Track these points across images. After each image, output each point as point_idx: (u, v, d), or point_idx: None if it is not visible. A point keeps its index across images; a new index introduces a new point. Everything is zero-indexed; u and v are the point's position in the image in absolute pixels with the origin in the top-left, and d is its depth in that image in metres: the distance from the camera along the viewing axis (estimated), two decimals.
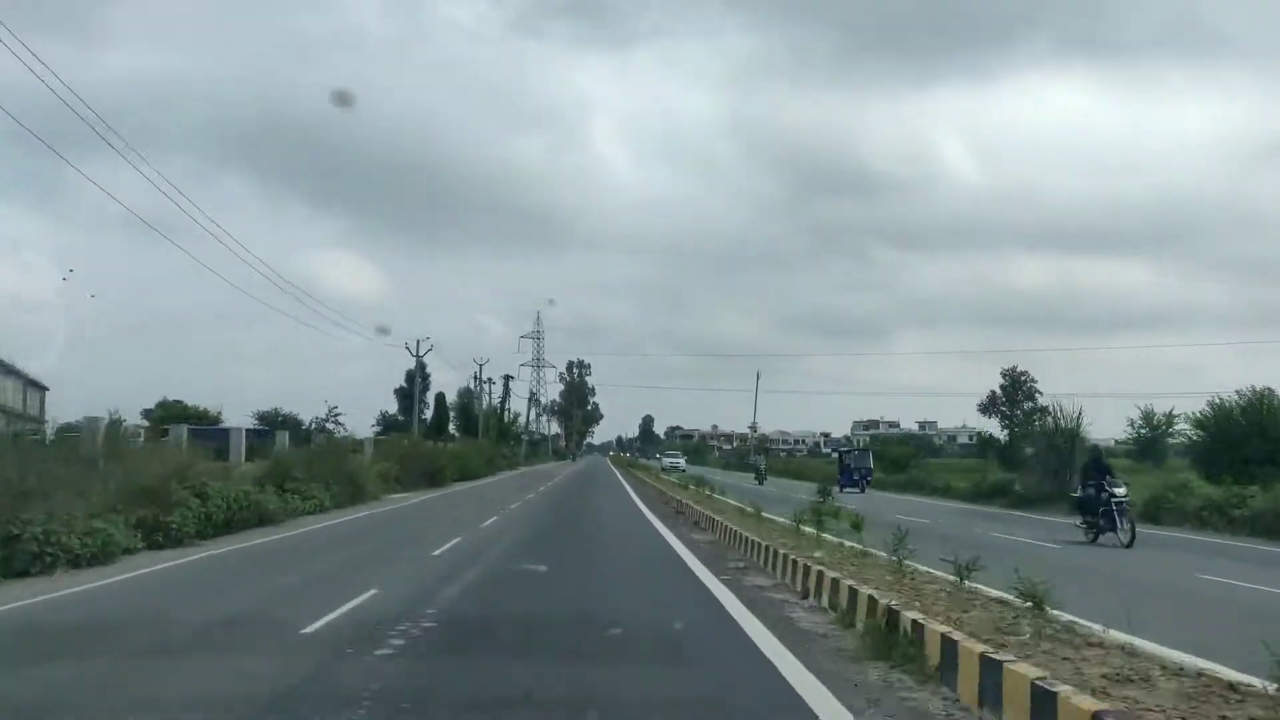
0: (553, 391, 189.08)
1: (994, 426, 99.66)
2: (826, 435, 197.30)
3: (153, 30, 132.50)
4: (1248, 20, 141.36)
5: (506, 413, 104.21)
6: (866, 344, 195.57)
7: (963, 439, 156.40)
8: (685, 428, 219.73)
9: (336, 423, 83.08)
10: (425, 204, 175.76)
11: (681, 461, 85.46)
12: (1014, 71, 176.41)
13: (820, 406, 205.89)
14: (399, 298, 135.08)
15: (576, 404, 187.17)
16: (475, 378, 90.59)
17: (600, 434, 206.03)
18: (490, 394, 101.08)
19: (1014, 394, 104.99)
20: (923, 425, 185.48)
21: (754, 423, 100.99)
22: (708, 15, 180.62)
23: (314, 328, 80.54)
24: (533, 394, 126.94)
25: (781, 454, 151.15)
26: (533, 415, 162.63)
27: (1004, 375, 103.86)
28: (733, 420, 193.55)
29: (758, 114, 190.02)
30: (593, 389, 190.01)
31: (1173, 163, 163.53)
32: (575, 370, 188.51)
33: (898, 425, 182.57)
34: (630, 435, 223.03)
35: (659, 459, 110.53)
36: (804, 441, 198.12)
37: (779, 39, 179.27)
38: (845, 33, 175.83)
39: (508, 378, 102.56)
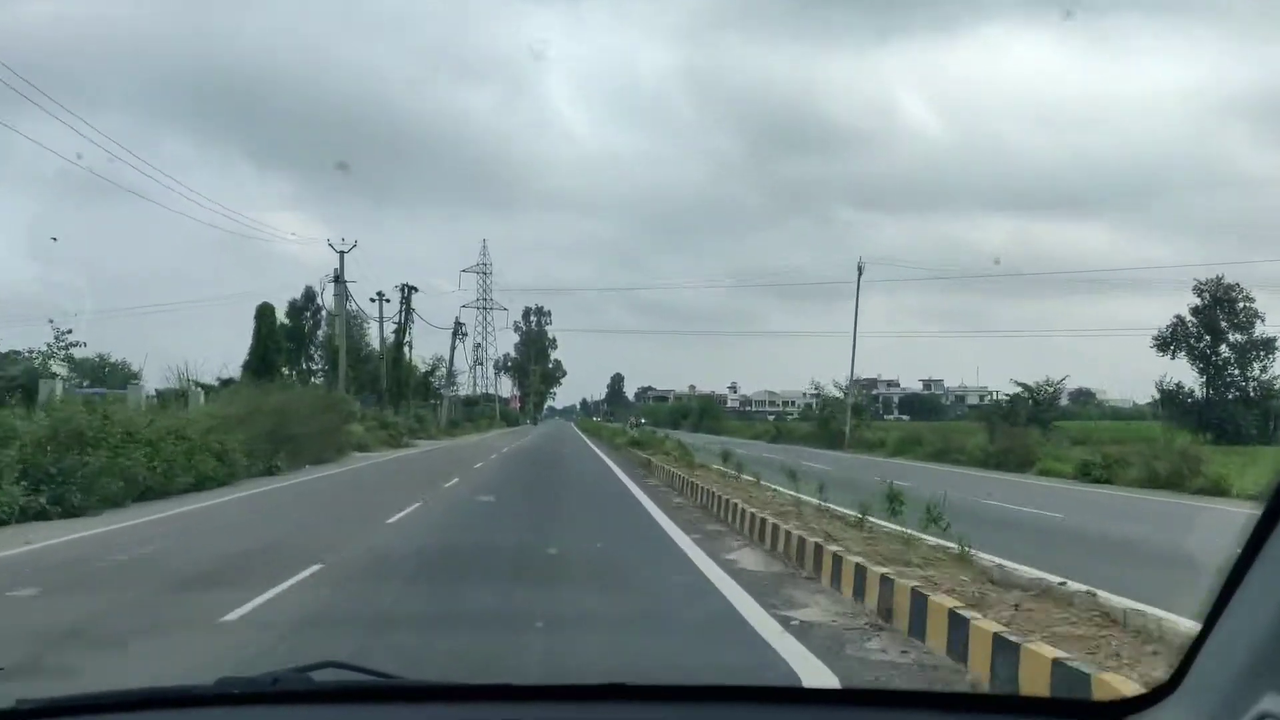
0: (505, 344, 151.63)
1: (1180, 369, 60.47)
2: (818, 395, 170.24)
3: None
4: None
5: (408, 348, 60.82)
6: (839, 303, 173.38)
7: (972, 399, 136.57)
8: (658, 388, 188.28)
9: (65, 352, 39.59)
10: (374, 162, 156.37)
11: None
12: (978, 23, 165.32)
13: (805, 365, 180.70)
14: (348, 258, 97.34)
15: (534, 359, 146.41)
16: (336, 278, 47.37)
17: (563, 395, 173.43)
18: (381, 318, 57.81)
19: (1214, 321, 63.95)
20: (927, 384, 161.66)
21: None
22: None
23: None
24: (455, 327, 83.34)
25: (769, 416, 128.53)
26: (477, 369, 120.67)
27: (1199, 292, 62.87)
28: (710, 380, 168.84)
29: (715, 66, 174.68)
30: (553, 340, 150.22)
31: (1138, 119, 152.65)
32: (533, 318, 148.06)
33: (897, 384, 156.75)
34: (596, 397, 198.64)
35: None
36: (793, 403, 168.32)
37: None
38: None
39: (408, 289, 59.37)
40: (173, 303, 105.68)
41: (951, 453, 36.48)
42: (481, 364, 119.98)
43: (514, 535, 12.94)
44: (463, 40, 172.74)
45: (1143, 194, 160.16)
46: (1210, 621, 1.67)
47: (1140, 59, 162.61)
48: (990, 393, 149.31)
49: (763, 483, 16.28)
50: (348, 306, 55.74)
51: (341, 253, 47.00)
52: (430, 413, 71.68)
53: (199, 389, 31.64)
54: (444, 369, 75.99)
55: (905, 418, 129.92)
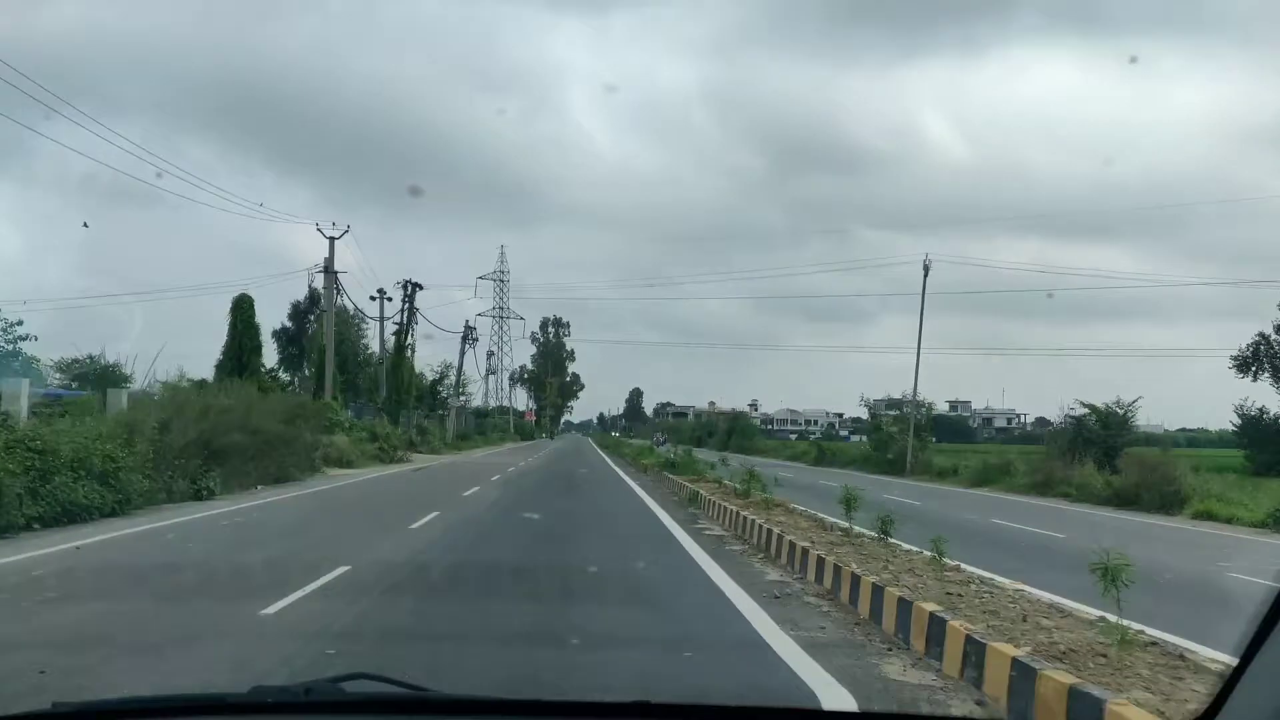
0: (521, 356, 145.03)
1: (1262, 392, 53.33)
2: (840, 415, 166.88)
3: None
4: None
5: (409, 351, 53.91)
6: (858, 324, 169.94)
7: (999, 422, 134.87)
8: (677, 404, 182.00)
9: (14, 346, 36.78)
10: (394, 172, 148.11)
11: None
12: (1005, 45, 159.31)
13: (827, 384, 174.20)
14: (366, 270, 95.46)
15: (552, 371, 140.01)
16: (325, 268, 40.86)
17: (580, 410, 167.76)
18: (381, 319, 51.29)
19: None
20: (954, 405, 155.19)
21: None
22: None
23: None
24: (465, 331, 76.48)
25: (791, 435, 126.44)
26: (491, 379, 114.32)
27: None
28: (729, 397, 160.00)
29: (738, 83, 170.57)
30: (571, 353, 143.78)
31: (1164, 143, 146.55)
32: (551, 329, 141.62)
33: (922, 405, 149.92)
34: (613, 412, 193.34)
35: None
36: (816, 422, 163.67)
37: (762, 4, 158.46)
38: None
39: (411, 286, 52.60)
40: (153, 292, 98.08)
41: (1056, 485, 29.47)
42: (495, 373, 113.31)
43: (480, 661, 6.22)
44: (486, 53, 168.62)
45: (1167, 219, 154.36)
46: (1248, 655, 1.61)
47: (1167, 84, 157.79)
48: (1018, 415, 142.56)
49: (940, 559, 9.27)
50: (343, 303, 49.29)
51: (331, 238, 40.49)
52: (437, 424, 65.08)
53: (125, 389, 25.14)
54: (453, 376, 69.40)
55: (932, 439, 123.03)
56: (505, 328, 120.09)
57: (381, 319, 51.08)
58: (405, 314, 51.99)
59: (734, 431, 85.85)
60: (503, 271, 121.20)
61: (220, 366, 40.09)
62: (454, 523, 15.79)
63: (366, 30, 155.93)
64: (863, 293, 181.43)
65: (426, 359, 71.37)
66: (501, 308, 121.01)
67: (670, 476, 26.40)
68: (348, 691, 2.15)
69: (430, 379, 67.75)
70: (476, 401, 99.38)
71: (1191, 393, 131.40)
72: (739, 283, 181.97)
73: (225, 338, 40.71)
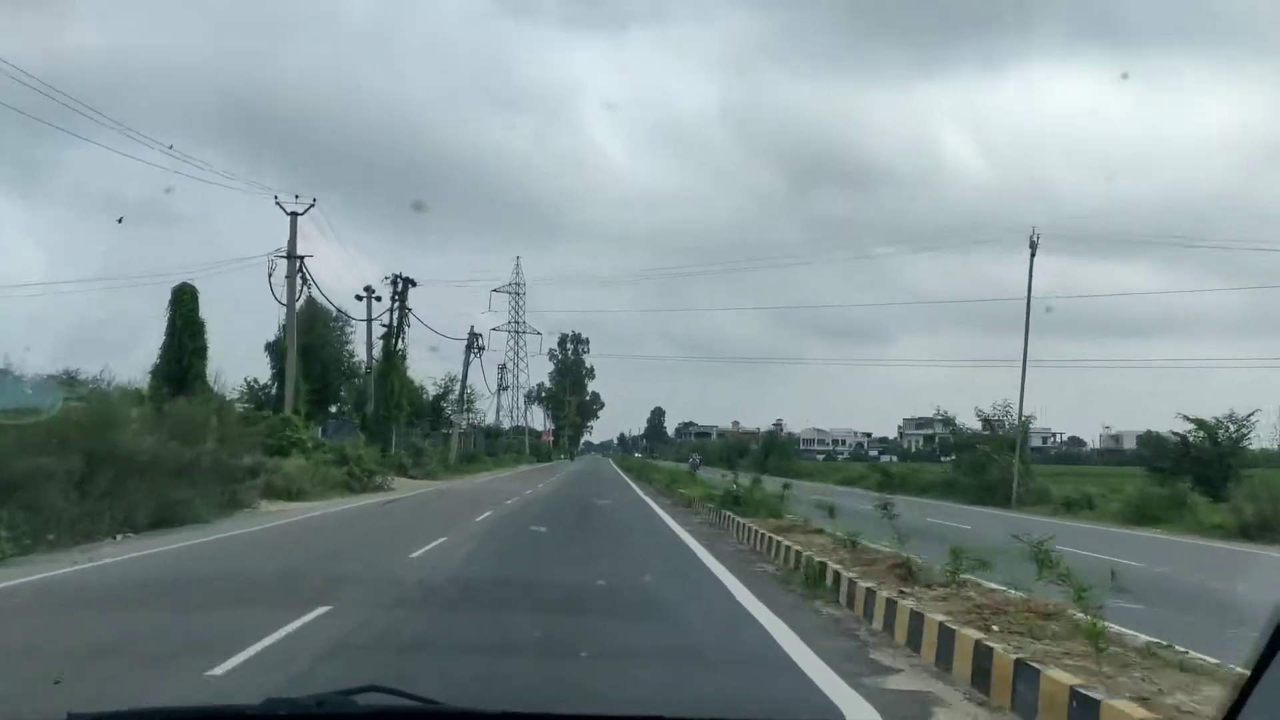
0: (538, 374, 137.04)
1: None
2: (869, 435, 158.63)
3: (121, 5, 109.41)
4: (1269, 12, 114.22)
5: (401, 357, 45.15)
6: (875, 342, 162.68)
7: (1034, 441, 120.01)
8: (700, 424, 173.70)
9: None
10: (408, 191, 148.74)
11: None
12: (1026, 61, 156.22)
13: (848, 403, 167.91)
14: (380, 290, 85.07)
15: (570, 389, 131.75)
16: (288, 254, 32.60)
17: (600, 430, 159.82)
18: (369, 319, 43.01)
19: None
20: (986, 424, 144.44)
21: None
22: None
23: None
24: (470, 339, 67.78)
25: (819, 456, 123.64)
26: (507, 397, 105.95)
27: None
28: (751, 418, 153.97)
29: (756, 100, 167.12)
30: (591, 370, 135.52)
31: (1185, 158, 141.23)
32: (569, 346, 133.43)
33: (954, 423, 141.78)
34: (634, 432, 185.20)
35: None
36: (844, 442, 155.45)
37: (779, 22, 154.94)
38: (850, 16, 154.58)
39: (403, 281, 44.01)
40: (109, 280, 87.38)
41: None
42: (507, 388, 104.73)
43: None
44: (501, 72, 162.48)
45: (1189, 235, 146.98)
46: (1260, 667, 1.57)
47: (1190, 98, 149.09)
48: (1053, 434, 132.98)
49: None
50: (324, 305, 41.19)
51: (293, 214, 32.31)
52: (440, 444, 56.67)
53: None
54: (457, 391, 60.99)
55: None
56: (521, 342, 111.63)
57: (370, 319, 42.88)
58: (396, 314, 43.65)
59: (770, 452, 76.83)
60: (518, 284, 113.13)
61: (156, 371, 32.02)
62: (335, 647, 7.30)
63: (381, 50, 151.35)
64: (882, 306, 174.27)
65: (431, 374, 63.23)
66: (517, 321, 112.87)
67: (736, 518, 17.82)
68: (359, 704, 2.14)
69: (434, 394, 59.45)
70: (489, 420, 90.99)
71: (1216, 409, 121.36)
72: (759, 300, 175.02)
73: (163, 337, 32.66)
